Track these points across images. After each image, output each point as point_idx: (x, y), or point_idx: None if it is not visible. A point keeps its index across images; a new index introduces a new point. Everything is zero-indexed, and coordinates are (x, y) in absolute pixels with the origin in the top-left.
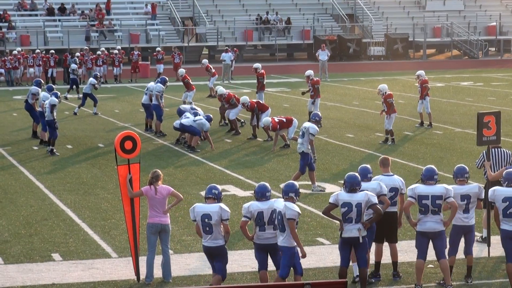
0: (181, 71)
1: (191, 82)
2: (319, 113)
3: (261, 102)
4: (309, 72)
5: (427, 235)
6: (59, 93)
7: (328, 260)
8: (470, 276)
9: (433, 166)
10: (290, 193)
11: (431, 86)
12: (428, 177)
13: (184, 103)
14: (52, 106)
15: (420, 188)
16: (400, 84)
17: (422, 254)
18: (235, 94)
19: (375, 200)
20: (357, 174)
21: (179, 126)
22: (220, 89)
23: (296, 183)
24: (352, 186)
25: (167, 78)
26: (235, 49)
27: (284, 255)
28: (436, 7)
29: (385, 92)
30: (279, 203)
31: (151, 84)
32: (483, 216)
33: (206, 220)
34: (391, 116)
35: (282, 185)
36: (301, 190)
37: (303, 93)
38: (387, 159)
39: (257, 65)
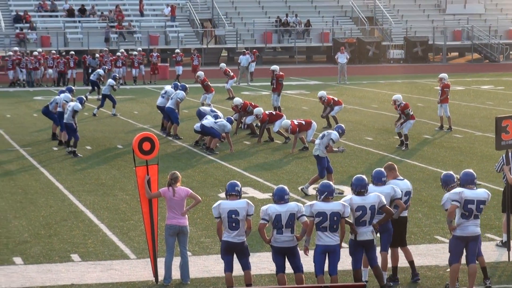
0: (201, 73)
1: (210, 84)
2: (343, 126)
3: (273, 113)
4: (322, 93)
5: (467, 239)
6: (84, 99)
7: (346, 263)
8: (488, 277)
9: (471, 170)
10: (333, 194)
11: (451, 89)
12: (470, 182)
13: (203, 104)
14: (74, 112)
15: (467, 193)
16: (419, 87)
17: (458, 257)
18: (251, 101)
19: (385, 201)
20: (364, 176)
21: (200, 128)
22: (236, 100)
23: (331, 183)
24: (359, 188)
25: (187, 86)
26: (254, 50)
27: (338, 253)
28: (456, 10)
29: (401, 103)
30: (325, 205)
31: (169, 88)
32: (503, 221)
33: (233, 216)
34: (410, 122)
35: (301, 187)
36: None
37: (322, 116)
38: (393, 164)
39: (275, 67)
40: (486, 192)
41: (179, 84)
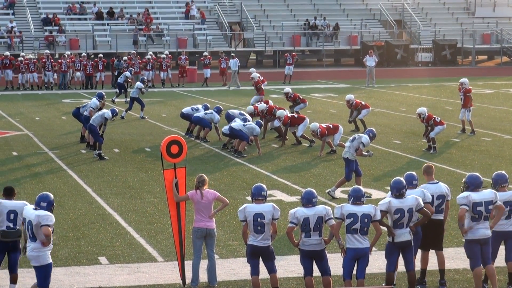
0: (255, 75)
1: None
2: (374, 130)
3: (295, 116)
4: (349, 96)
5: (479, 241)
6: (117, 112)
7: (374, 267)
8: None
9: (477, 174)
10: (362, 198)
11: (480, 92)
12: (477, 185)
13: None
14: (105, 119)
15: (474, 196)
16: (448, 90)
17: (478, 261)
18: (276, 105)
19: (423, 203)
20: (402, 179)
21: (229, 130)
22: (260, 106)
23: (362, 188)
24: (398, 191)
25: (221, 107)
26: (293, 54)
27: (368, 257)
28: (485, 13)
29: (425, 116)
30: (356, 207)
31: (201, 107)
32: None
33: (259, 219)
34: (439, 127)
35: (328, 190)
36: (345, 197)
37: (349, 121)
38: (431, 167)
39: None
40: (492, 191)
41: (208, 105)
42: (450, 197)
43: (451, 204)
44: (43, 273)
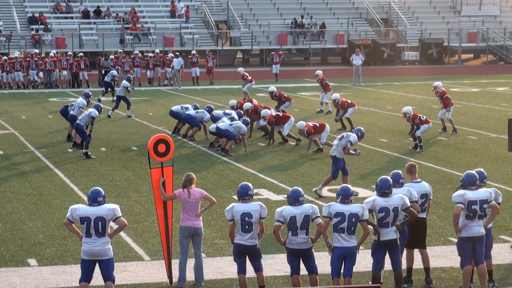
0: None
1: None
2: (362, 129)
3: (280, 115)
4: (335, 96)
5: (473, 239)
6: (101, 106)
7: (361, 265)
8: (492, 280)
9: (473, 172)
10: (350, 197)
11: (466, 91)
12: (471, 183)
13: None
14: (92, 118)
15: (469, 194)
16: None
17: (468, 259)
18: (261, 103)
19: (409, 203)
20: (389, 177)
21: (215, 130)
22: (246, 105)
23: (350, 187)
24: (384, 189)
25: (212, 107)
26: (280, 52)
27: (355, 256)
28: (471, 12)
29: (411, 115)
30: (344, 206)
31: (190, 107)
32: None
33: (247, 218)
34: (425, 126)
35: (314, 189)
36: (333, 195)
37: (336, 120)
38: (414, 166)
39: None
40: (487, 191)
41: (198, 105)
42: (432, 196)
43: (438, 203)
44: (111, 265)
